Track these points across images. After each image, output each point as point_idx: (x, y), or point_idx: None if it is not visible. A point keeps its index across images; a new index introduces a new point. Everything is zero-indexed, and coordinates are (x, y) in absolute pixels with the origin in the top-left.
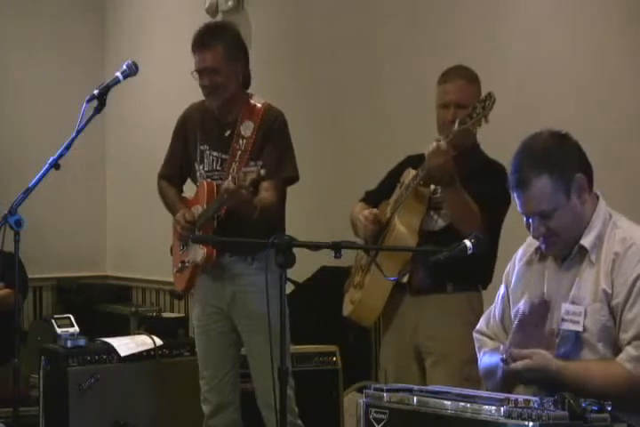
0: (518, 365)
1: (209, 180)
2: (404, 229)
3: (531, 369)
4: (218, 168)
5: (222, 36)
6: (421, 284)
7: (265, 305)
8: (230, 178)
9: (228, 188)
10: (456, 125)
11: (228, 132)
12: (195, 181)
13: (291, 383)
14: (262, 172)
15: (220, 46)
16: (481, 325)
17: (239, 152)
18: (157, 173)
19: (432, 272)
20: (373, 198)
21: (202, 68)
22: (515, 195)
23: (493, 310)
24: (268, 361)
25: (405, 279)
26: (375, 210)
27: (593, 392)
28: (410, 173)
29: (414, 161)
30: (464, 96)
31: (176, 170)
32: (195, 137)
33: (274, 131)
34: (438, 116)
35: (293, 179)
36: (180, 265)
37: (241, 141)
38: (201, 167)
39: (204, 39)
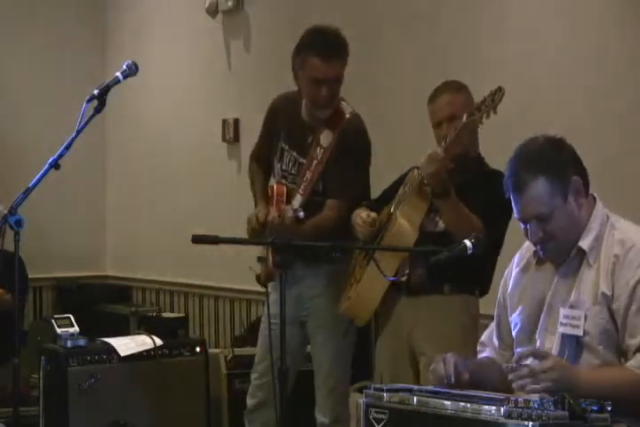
0: (537, 389)
1: (283, 180)
2: (405, 224)
3: (549, 389)
4: (293, 172)
5: (346, 46)
6: (419, 284)
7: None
8: (279, 212)
9: (272, 221)
10: (464, 118)
11: (310, 139)
12: (273, 174)
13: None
14: (301, 215)
15: (346, 57)
16: (482, 338)
17: (315, 161)
18: (251, 152)
19: (430, 272)
20: (376, 205)
21: (329, 77)
22: (511, 199)
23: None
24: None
25: (404, 278)
26: (374, 213)
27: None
28: (414, 173)
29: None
30: (452, 108)
31: (266, 153)
32: (279, 132)
33: (350, 144)
34: (435, 135)
35: (360, 197)
36: (262, 256)
37: (318, 151)
38: (279, 165)
39: (336, 48)
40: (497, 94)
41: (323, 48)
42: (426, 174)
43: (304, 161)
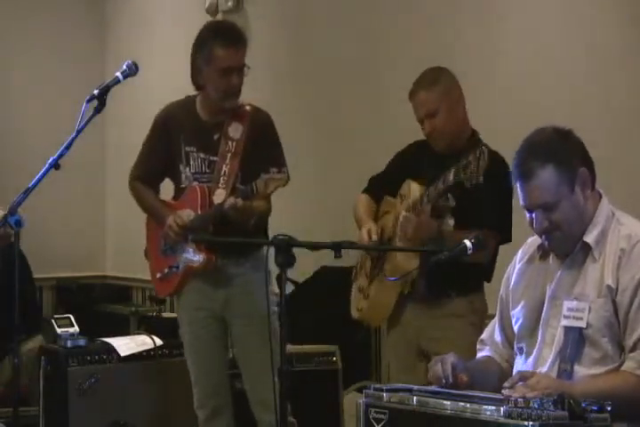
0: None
1: (197, 182)
2: (402, 257)
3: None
4: (206, 170)
5: (245, 35)
6: (424, 295)
7: (262, 304)
8: (238, 191)
9: (234, 205)
10: (451, 176)
11: (216, 136)
12: (178, 182)
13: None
14: (288, 177)
15: (246, 46)
16: (482, 336)
17: (229, 155)
18: (130, 174)
19: (434, 284)
20: (378, 189)
21: (238, 65)
22: (518, 187)
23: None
24: (263, 361)
25: (406, 291)
26: (374, 229)
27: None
28: (410, 189)
29: (421, 148)
30: (428, 106)
31: (154, 171)
32: (178, 138)
33: (267, 134)
34: (422, 130)
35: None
36: (165, 270)
37: (230, 144)
38: (187, 169)
39: (239, 36)
40: (481, 158)
41: (228, 38)
42: (409, 238)
43: (215, 158)
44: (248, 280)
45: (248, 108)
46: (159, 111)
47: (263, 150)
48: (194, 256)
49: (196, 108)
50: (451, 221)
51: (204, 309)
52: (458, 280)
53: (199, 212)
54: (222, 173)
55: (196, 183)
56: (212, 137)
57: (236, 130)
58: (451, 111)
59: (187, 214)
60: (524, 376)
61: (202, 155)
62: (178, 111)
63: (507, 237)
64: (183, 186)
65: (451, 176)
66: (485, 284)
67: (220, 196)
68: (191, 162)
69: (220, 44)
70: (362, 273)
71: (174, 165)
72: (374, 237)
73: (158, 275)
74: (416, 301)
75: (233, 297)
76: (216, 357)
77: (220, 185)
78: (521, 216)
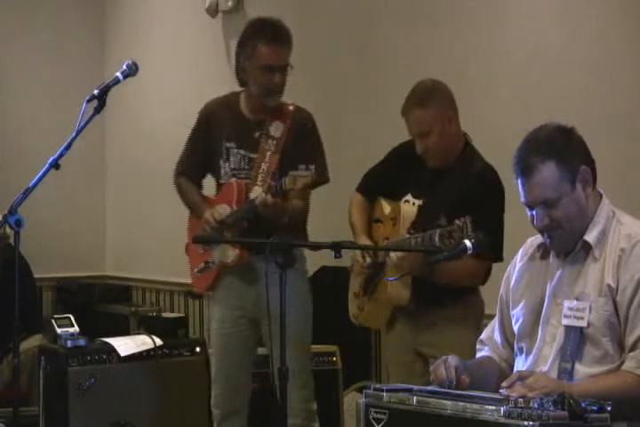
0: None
1: (235, 179)
2: (393, 289)
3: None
4: (245, 167)
5: (290, 33)
6: (419, 307)
7: (294, 303)
8: (267, 187)
9: (265, 201)
10: (436, 237)
11: (257, 133)
12: (218, 177)
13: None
14: (314, 175)
15: (291, 44)
16: (482, 336)
17: (268, 153)
18: (174, 169)
19: (422, 300)
20: (372, 188)
21: (281, 63)
22: (519, 183)
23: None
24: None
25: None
26: (369, 260)
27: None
28: (402, 218)
29: (409, 150)
30: (421, 126)
31: (197, 166)
32: (219, 134)
33: (307, 133)
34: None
35: (324, 183)
36: (202, 265)
37: (270, 142)
38: (226, 165)
39: (284, 35)
40: (464, 229)
41: (272, 35)
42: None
43: (255, 156)
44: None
45: (291, 107)
46: (202, 107)
47: (301, 149)
48: (228, 252)
49: (240, 105)
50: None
51: (235, 307)
52: (451, 289)
53: (234, 207)
54: (261, 170)
55: (234, 179)
56: (253, 134)
57: (277, 128)
58: (444, 131)
59: (223, 209)
60: (522, 376)
61: (242, 151)
62: (220, 107)
63: (498, 258)
64: (222, 182)
65: (436, 238)
66: (487, 283)
67: (256, 193)
68: (231, 158)
69: (262, 41)
70: (356, 281)
71: (214, 161)
72: (368, 260)
73: (195, 270)
74: (407, 313)
75: (264, 295)
76: (240, 357)
77: (257, 182)
78: (521, 216)
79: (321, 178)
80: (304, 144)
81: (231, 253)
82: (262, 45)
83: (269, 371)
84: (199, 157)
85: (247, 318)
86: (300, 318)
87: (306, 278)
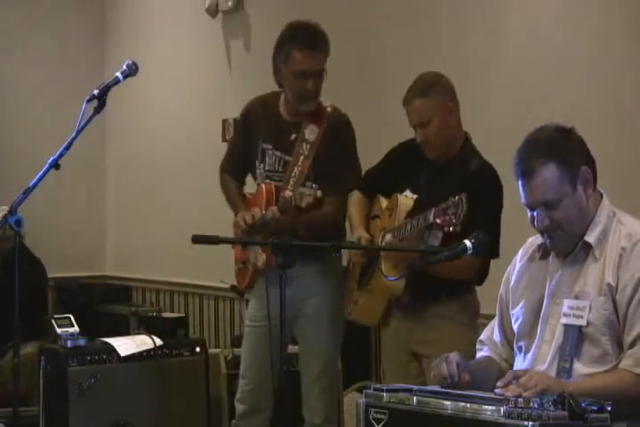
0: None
1: (268, 181)
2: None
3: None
4: (280, 169)
5: (327, 39)
6: (408, 305)
7: (324, 304)
8: (281, 200)
9: (273, 217)
10: (431, 215)
11: (294, 136)
12: (255, 177)
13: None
14: (319, 193)
15: (328, 50)
16: (481, 336)
17: (302, 157)
18: (220, 166)
19: (419, 294)
20: (372, 186)
21: (314, 70)
22: (519, 185)
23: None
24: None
25: (393, 299)
26: (365, 237)
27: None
28: (399, 208)
29: (418, 150)
30: (421, 115)
31: (237, 165)
32: (257, 134)
33: (338, 137)
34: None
35: (355, 188)
36: (240, 265)
37: (304, 146)
38: (262, 166)
39: (319, 41)
40: (459, 204)
41: (306, 41)
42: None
43: (289, 158)
44: (310, 282)
45: (329, 109)
46: (247, 103)
47: (333, 154)
48: (259, 255)
49: (279, 106)
50: (436, 242)
51: (272, 307)
52: (448, 283)
53: (264, 211)
54: (294, 174)
55: (267, 181)
56: (290, 137)
57: (311, 132)
58: (443, 121)
59: (255, 213)
60: (517, 375)
61: (277, 153)
62: (259, 107)
63: (494, 255)
64: (258, 182)
65: (431, 216)
66: (486, 283)
67: (287, 196)
68: (266, 159)
69: (296, 47)
70: (352, 277)
71: (252, 161)
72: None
73: (236, 268)
74: (402, 307)
75: (295, 296)
76: (268, 356)
77: (288, 187)
78: (521, 216)
79: (337, 187)
80: (332, 150)
81: (260, 257)
82: (296, 51)
83: (294, 369)
84: (239, 156)
85: (276, 318)
86: (331, 322)
87: (342, 285)
